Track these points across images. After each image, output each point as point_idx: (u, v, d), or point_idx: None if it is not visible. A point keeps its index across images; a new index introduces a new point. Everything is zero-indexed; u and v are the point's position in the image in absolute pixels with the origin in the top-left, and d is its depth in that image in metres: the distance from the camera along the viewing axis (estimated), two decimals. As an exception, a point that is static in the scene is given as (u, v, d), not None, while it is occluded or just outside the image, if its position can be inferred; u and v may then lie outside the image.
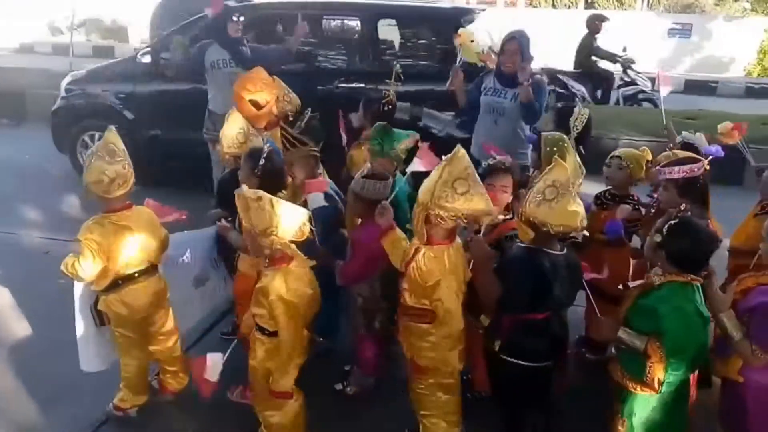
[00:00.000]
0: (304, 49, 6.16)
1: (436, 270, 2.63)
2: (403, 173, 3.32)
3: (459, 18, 6.09)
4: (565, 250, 2.62)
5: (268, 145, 3.24)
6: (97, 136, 6.66)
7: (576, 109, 3.86)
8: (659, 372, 2.39)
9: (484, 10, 6.89)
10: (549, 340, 2.67)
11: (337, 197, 3.60)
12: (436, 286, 2.64)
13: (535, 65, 4.76)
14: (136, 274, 3.09)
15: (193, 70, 5.66)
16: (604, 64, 9.97)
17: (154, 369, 3.47)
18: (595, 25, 9.76)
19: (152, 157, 6.02)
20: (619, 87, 9.88)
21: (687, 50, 17.05)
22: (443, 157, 2.60)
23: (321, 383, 3.31)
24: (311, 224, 2.68)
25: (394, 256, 2.85)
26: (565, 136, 3.39)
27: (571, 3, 22.49)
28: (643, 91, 9.87)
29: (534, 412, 2.82)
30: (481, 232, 2.75)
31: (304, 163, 3.48)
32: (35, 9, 17.48)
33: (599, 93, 9.75)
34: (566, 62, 10.20)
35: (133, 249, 3.03)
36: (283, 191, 3.25)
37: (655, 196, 3.60)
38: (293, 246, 2.70)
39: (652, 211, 3.43)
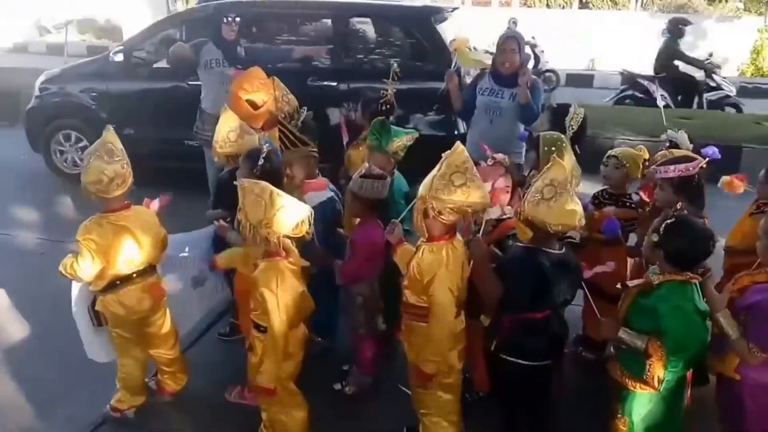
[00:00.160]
0: (277, 47, 6.18)
1: (433, 265, 2.64)
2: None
3: (429, 16, 6.13)
4: (563, 249, 2.63)
5: (266, 145, 3.24)
6: (73, 136, 6.74)
7: (571, 109, 3.87)
8: (659, 370, 2.41)
9: (456, 8, 6.89)
10: (549, 339, 2.68)
11: (335, 197, 3.60)
12: (432, 281, 2.64)
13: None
14: (134, 275, 3.08)
15: (180, 67, 5.67)
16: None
17: (151, 370, 3.46)
18: (678, 29, 9.64)
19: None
20: (703, 92, 9.78)
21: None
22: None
23: (319, 383, 3.30)
24: (311, 223, 2.68)
25: (404, 266, 2.85)
26: (563, 136, 3.40)
27: (566, 3, 22.55)
28: (728, 96, 9.77)
29: (533, 411, 2.83)
30: (481, 232, 2.76)
31: (304, 163, 3.47)
32: (26, 8, 17.40)
33: (680, 97, 9.66)
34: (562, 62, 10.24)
35: (132, 249, 3.02)
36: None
37: (640, 194, 3.63)
38: (288, 242, 2.70)
39: (648, 209, 3.44)
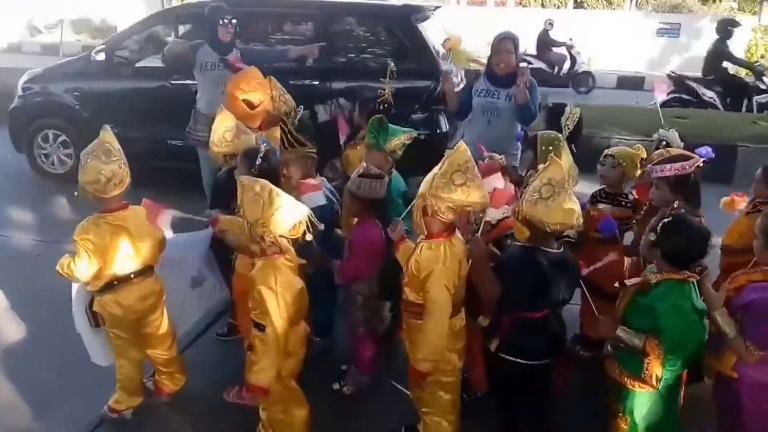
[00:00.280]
0: (272, 48, 6.18)
1: (431, 261, 2.63)
2: (398, 171, 3.34)
3: (410, 15, 6.15)
4: (562, 249, 2.64)
5: (264, 144, 3.24)
6: (51, 135, 6.75)
7: (567, 108, 3.89)
8: (657, 369, 2.42)
9: (439, 7, 6.91)
10: (547, 338, 2.68)
11: (332, 197, 3.60)
12: (429, 277, 2.64)
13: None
14: (132, 275, 3.08)
15: (176, 65, 5.67)
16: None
17: (149, 370, 3.46)
18: (727, 30, 9.57)
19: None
20: (753, 94, 9.72)
21: (676, 49, 17.18)
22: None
23: (317, 383, 3.30)
24: (310, 224, 2.67)
25: (405, 262, 2.85)
26: (560, 135, 3.41)
27: (561, 3, 22.60)
28: None
29: (532, 411, 2.84)
30: (479, 231, 2.77)
31: (301, 163, 3.48)
32: (19, 8, 17.35)
33: (729, 100, 9.63)
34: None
35: (129, 250, 3.02)
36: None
37: (633, 193, 3.64)
38: (285, 242, 2.70)
39: (644, 209, 3.46)
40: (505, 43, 4.33)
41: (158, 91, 6.31)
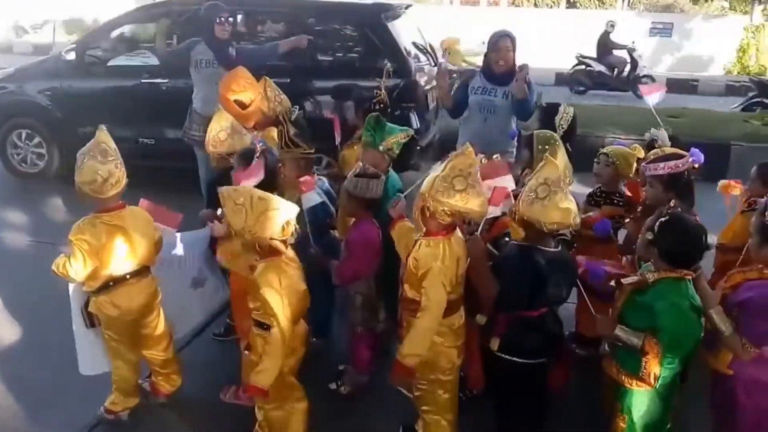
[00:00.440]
0: (250, 46, 6.19)
1: (429, 259, 2.63)
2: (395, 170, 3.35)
3: (380, 13, 6.17)
4: (559, 248, 2.65)
5: (260, 144, 3.23)
6: (25, 134, 6.74)
7: (561, 108, 3.91)
8: (655, 367, 2.42)
9: (410, 5, 6.95)
10: (544, 337, 2.69)
11: (325, 198, 3.59)
12: (426, 274, 2.63)
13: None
14: (128, 276, 3.06)
15: (173, 63, 5.69)
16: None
17: (145, 371, 3.45)
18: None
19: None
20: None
21: (668, 49, 17.29)
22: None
23: (315, 383, 3.29)
24: (301, 223, 2.67)
25: (401, 244, 2.88)
26: (555, 134, 3.43)
27: (553, 3, 22.68)
28: None
29: (528, 409, 2.84)
30: (479, 230, 2.77)
31: (295, 164, 3.48)
32: (4, 8, 17.28)
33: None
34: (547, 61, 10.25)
35: (125, 250, 3.00)
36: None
37: (625, 190, 3.65)
38: (278, 243, 2.68)
39: (639, 209, 3.47)
40: (503, 41, 4.34)
41: (129, 90, 6.33)
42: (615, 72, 13.06)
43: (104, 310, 3.06)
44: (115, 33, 6.79)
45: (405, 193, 3.09)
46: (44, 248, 5.05)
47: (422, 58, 6.64)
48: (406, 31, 6.40)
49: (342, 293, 3.62)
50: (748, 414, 2.58)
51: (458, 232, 2.74)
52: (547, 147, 3.19)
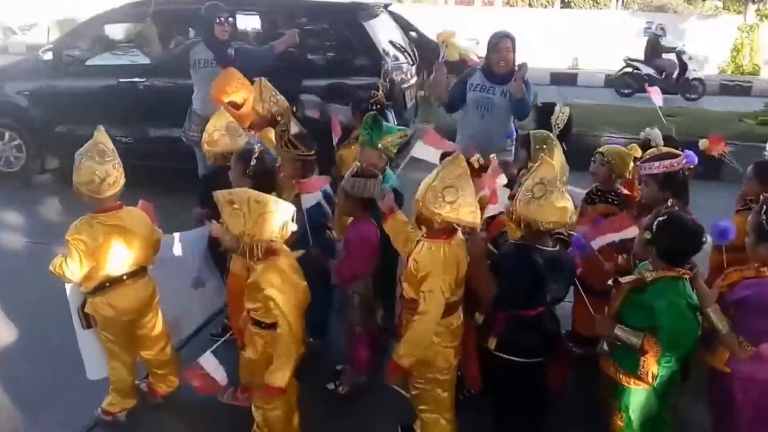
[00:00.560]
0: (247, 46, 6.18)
1: (429, 262, 2.64)
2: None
3: (356, 13, 6.18)
4: (557, 247, 2.66)
5: (258, 145, 3.23)
6: (8, 135, 6.72)
7: (557, 108, 3.92)
8: (653, 366, 2.44)
9: (389, 4, 6.96)
10: (542, 336, 2.70)
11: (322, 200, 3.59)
12: (426, 277, 2.64)
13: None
14: (125, 277, 3.06)
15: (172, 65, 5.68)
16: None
17: (143, 372, 3.44)
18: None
19: (60, 154, 6.30)
20: None
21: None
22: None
23: (313, 383, 3.30)
24: (299, 222, 2.66)
25: (398, 239, 2.88)
26: (551, 134, 3.44)
27: (548, 2, 22.72)
28: None
29: (526, 408, 2.85)
30: (478, 230, 2.77)
31: (291, 165, 3.48)
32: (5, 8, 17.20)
33: None
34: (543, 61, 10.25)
35: (122, 250, 3.00)
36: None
37: (621, 188, 3.66)
38: (277, 244, 2.69)
39: (635, 209, 3.48)
40: (504, 41, 4.34)
41: (107, 90, 6.31)
42: (663, 75, 12.77)
43: (100, 311, 3.05)
44: (93, 32, 6.78)
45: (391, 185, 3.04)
46: (39, 249, 5.04)
47: (401, 57, 6.65)
48: (385, 30, 6.40)
49: (340, 293, 3.62)
50: (745, 411, 2.59)
51: (459, 234, 2.74)
52: (544, 146, 3.21)
